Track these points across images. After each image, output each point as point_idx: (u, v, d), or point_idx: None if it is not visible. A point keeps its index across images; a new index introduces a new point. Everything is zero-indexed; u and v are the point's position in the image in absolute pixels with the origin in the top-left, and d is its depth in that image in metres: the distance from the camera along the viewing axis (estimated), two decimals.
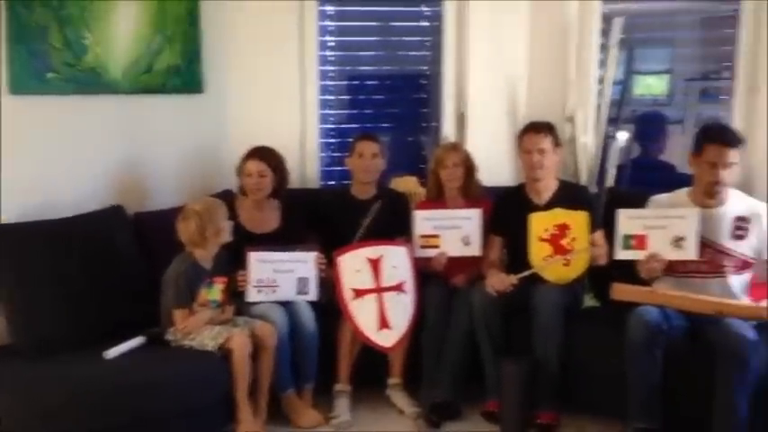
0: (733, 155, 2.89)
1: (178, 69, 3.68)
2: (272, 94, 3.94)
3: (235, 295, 3.14)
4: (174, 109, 3.69)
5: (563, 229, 3.22)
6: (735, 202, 3.00)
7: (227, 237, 3.08)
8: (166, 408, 2.73)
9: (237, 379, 2.89)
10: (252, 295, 3.16)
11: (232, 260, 3.14)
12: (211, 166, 3.76)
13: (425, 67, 4.24)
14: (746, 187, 3.41)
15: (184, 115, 3.73)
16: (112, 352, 2.82)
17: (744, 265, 2.98)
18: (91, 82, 3.34)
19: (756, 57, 3.53)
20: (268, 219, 3.42)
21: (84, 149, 3.33)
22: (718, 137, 2.94)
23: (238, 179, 3.42)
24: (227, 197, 3.35)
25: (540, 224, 3.24)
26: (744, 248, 2.97)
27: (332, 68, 4.12)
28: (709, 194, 2.96)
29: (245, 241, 3.21)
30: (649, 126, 4.13)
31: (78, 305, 3.00)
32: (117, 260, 3.19)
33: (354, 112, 4.23)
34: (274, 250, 3.20)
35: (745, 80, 3.58)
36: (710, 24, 4.01)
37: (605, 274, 3.17)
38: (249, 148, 3.40)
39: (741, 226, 2.96)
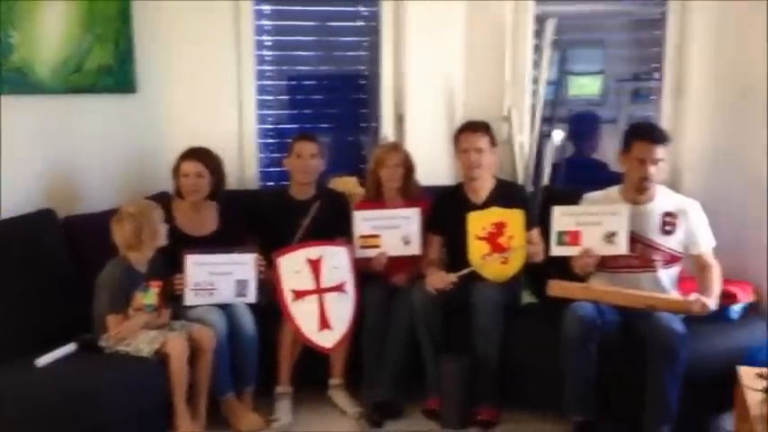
0: (660, 151, 2.99)
1: (110, 69, 3.60)
2: (208, 94, 3.90)
3: (172, 299, 3.09)
4: (107, 109, 3.62)
5: (500, 227, 3.26)
6: (663, 199, 3.10)
7: (162, 240, 3.03)
8: (101, 416, 2.66)
9: (175, 384, 2.85)
10: (189, 298, 3.11)
11: (168, 263, 3.09)
12: (146, 167, 3.69)
13: (363, 68, 4.24)
14: (674, 184, 3.54)
15: (117, 116, 3.66)
16: (44, 359, 2.75)
17: (671, 260, 3.08)
18: (18, 82, 3.23)
19: (682, 59, 3.64)
20: (206, 221, 3.37)
21: (13, 151, 3.21)
22: (645, 134, 3.04)
23: (174, 181, 3.36)
24: (163, 199, 3.30)
25: (477, 223, 3.28)
26: (672, 243, 3.06)
27: (269, 68, 4.08)
28: (638, 190, 3.05)
29: (182, 244, 3.16)
30: (583, 125, 4.21)
31: (7, 311, 2.90)
32: (47, 265, 3.10)
33: (293, 112, 4.21)
34: (212, 252, 3.16)
35: (672, 81, 3.69)
36: (639, 26, 4.12)
37: (542, 271, 3.23)
38: (185, 148, 3.35)
39: (669, 221, 3.06)
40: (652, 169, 2.98)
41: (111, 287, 2.92)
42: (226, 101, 3.95)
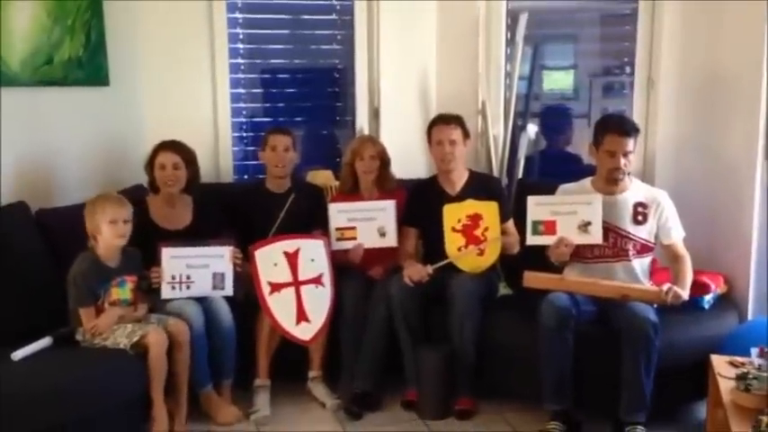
0: (630, 144, 3.04)
1: (80, 61, 3.54)
2: (182, 87, 3.86)
3: (149, 292, 3.07)
4: (79, 102, 3.56)
5: (475, 219, 3.29)
6: (635, 189, 3.16)
7: (114, 240, 2.93)
8: (78, 410, 2.62)
9: (153, 376, 2.83)
10: (166, 292, 3.09)
11: (143, 258, 3.06)
12: (120, 161, 3.64)
13: (338, 61, 4.24)
14: (646, 176, 3.60)
15: (89, 109, 3.60)
16: (20, 353, 2.71)
17: (643, 249, 3.12)
18: None
19: (653, 53, 3.69)
20: (180, 215, 3.34)
21: None
22: (615, 127, 3.09)
23: (148, 175, 3.32)
24: (138, 193, 3.26)
25: (453, 215, 3.30)
26: (643, 233, 3.11)
27: (243, 61, 4.05)
28: (611, 182, 3.09)
29: (157, 238, 3.13)
30: (556, 119, 4.27)
31: None
32: (21, 258, 3.05)
33: (267, 105, 4.17)
34: (188, 245, 3.14)
35: (644, 75, 3.74)
36: (610, 22, 4.18)
37: (517, 263, 3.26)
38: (158, 142, 3.31)
39: (641, 211, 3.11)
40: (622, 161, 3.03)
41: (76, 282, 2.90)
42: (199, 94, 3.91)
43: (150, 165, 3.29)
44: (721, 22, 3.42)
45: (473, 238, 3.28)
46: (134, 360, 2.81)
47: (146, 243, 3.07)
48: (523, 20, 3.88)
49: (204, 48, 3.90)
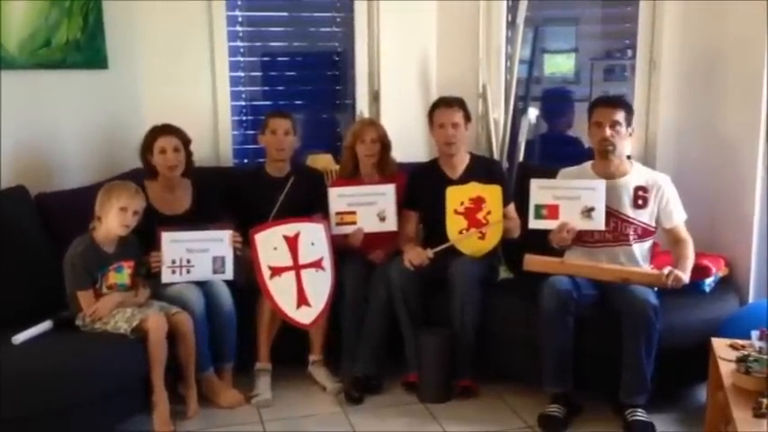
0: (617, 114, 3.05)
1: (78, 44, 3.52)
2: (181, 71, 3.84)
3: (148, 277, 3.07)
4: (77, 85, 3.54)
5: (478, 202, 3.28)
6: (636, 173, 3.15)
7: (117, 229, 2.93)
8: (79, 394, 2.63)
9: (153, 361, 2.83)
10: (166, 276, 3.08)
11: (142, 244, 3.06)
12: (119, 144, 3.61)
13: (337, 44, 4.21)
14: (648, 158, 3.59)
15: (88, 92, 3.59)
16: (21, 337, 2.72)
17: (644, 233, 3.12)
18: None
19: (655, 34, 3.66)
20: (180, 199, 3.32)
21: None
22: (602, 99, 3.23)
23: (145, 160, 3.28)
24: (137, 176, 3.24)
25: (455, 198, 3.29)
26: (644, 217, 3.10)
27: (242, 44, 4.02)
28: (601, 155, 3.09)
29: (157, 223, 3.12)
30: (557, 103, 4.25)
31: None
32: (20, 242, 3.05)
33: (266, 89, 4.15)
34: (187, 229, 3.13)
35: (646, 57, 3.71)
36: (611, 3, 4.15)
37: (518, 247, 3.25)
38: (152, 127, 3.29)
39: (641, 195, 3.10)
40: (608, 131, 3.03)
41: (73, 264, 2.89)
42: (199, 78, 3.89)
43: (148, 150, 3.26)
44: (724, 3, 3.39)
45: (475, 221, 3.27)
46: (135, 344, 2.81)
47: (145, 228, 3.05)
48: (524, 2, 3.85)
49: (203, 31, 3.87)
